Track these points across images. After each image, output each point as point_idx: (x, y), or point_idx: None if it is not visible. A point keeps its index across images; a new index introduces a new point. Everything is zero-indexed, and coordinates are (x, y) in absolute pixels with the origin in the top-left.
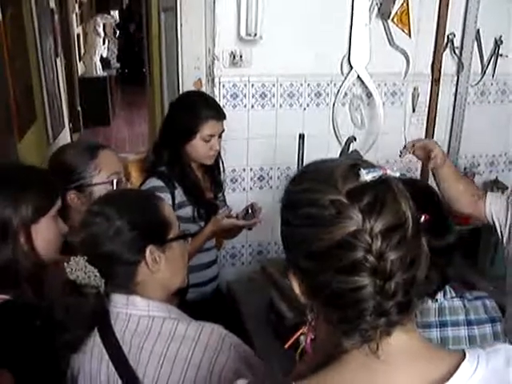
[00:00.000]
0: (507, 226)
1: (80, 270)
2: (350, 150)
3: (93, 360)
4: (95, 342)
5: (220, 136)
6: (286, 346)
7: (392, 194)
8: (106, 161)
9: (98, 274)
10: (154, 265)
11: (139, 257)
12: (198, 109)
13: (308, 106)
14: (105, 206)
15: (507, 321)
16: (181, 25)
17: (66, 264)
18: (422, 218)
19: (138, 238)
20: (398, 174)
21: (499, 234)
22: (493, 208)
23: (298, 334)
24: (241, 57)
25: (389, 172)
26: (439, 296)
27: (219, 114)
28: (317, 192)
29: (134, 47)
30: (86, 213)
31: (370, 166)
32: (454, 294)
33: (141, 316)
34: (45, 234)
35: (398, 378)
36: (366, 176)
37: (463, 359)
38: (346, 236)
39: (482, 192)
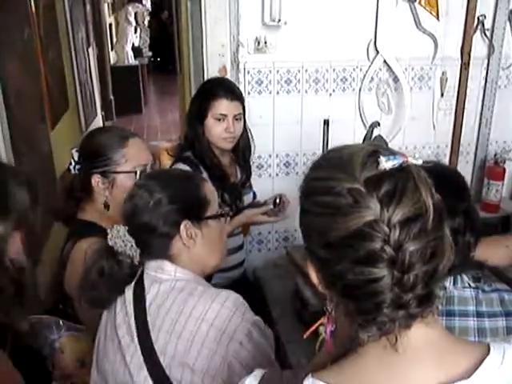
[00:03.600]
0: None
1: (119, 237)
2: (374, 135)
3: (119, 314)
4: (125, 299)
5: (238, 119)
6: (305, 336)
7: (412, 183)
8: (134, 151)
9: (134, 245)
10: (188, 240)
11: (174, 230)
12: (211, 89)
13: (334, 91)
14: (149, 180)
15: None
16: (205, 12)
17: (108, 230)
18: None
19: (174, 211)
20: (420, 162)
21: None
22: None
23: (318, 324)
24: (265, 43)
25: (410, 160)
26: (448, 284)
27: (232, 94)
28: (334, 180)
29: (166, 36)
30: (133, 186)
31: (390, 153)
32: (466, 284)
33: (166, 279)
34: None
35: (417, 373)
36: (386, 164)
37: (488, 353)
38: (362, 226)
39: None
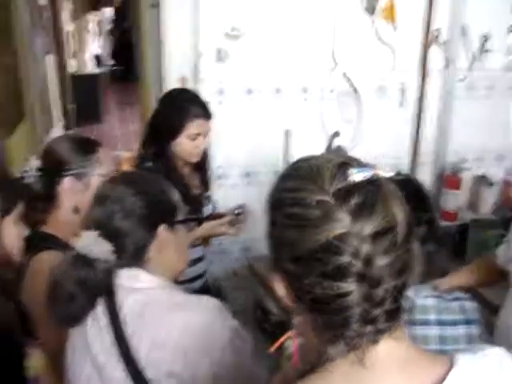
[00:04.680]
0: None
1: (92, 244)
2: (334, 145)
3: (91, 330)
4: (96, 312)
5: (206, 135)
6: (272, 350)
7: (383, 196)
8: (105, 157)
9: (110, 249)
10: (163, 244)
11: (151, 235)
12: (186, 107)
13: (295, 101)
14: (120, 183)
15: (500, 317)
16: (164, 21)
17: (75, 238)
18: None
19: (151, 215)
20: (390, 174)
21: None
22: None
23: (284, 338)
24: (226, 53)
25: (380, 172)
26: (410, 294)
27: (206, 113)
28: (303, 191)
29: (128, 44)
30: (100, 189)
31: (360, 165)
32: (428, 294)
33: (142, 288)
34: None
35: None
36: (356, 176)
37: (453, 364)
38: (332, 239)
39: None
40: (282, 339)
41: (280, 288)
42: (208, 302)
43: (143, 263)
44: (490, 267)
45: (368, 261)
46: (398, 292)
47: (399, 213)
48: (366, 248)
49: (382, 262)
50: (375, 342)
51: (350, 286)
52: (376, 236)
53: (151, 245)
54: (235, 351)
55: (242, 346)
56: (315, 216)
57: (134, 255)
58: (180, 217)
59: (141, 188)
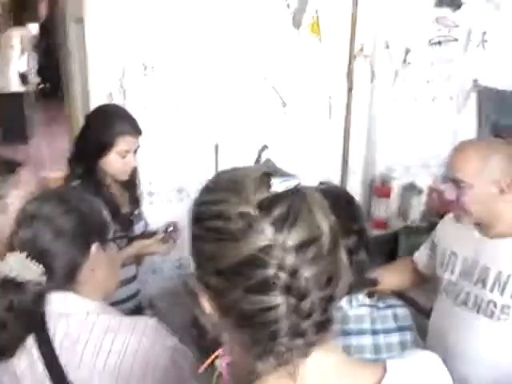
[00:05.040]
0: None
1: (20, 266)
2: (264, 158)
3: (20, 363)
4: (27, 342)
5: (136, 151)
6: (200, 370)
7: (307, 206)
8: (26, 178)
9: (40, 270)
10: (96, 263)
11: (83, 254)
12: (114, 123)
13: (224, 115)
14: (48, 201)
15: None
16: (89, 36)
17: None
18: None
19: (83, 235)
20: (315, 184)
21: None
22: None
23: (213, 356)
24: (152, 67)
25: (303, 182)
26: (344, 304)
27: (136, 130)
28: (225, 203)
29: (55, 61)
30: (25, 208)
31: (283, 175)
32: (362, 303)
33: (75, 313)
34: None
35: None
36: (279, 186)
37: (385, 372)
38: (255, 251)
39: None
40: (211, 358)
41: (206, 304)
42: (145, 323)
43: (75, 284)
44: (413, 271)
45: (293, 273)
46: (327, 303)
47: (324, 223)
48: (290, 260)
49: (307, 273)
50: (306, 355)
51: (277, 299)
52: (300, 247)
53: (84, 264)
54: (176, 369)
55: (182, 363)
56: (237, 228)
57: (65, 276)
58: (111, 235)
59: (71, 205)
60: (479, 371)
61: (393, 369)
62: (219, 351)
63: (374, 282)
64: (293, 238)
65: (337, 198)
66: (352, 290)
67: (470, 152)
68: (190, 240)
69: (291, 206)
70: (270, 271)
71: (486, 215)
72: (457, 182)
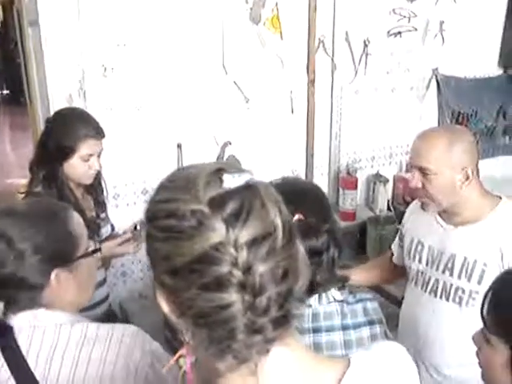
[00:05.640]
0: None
1: None
2: (227, 154)
3: None
4: None
5: (99, 155)
6: (165, 370)
7: (259, 201)
8: None
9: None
10: (60, 287)
11: (44, 281)
12: (76, 127)
13: (185, 113)
14: (5, 226)
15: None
16: (46, 38)
17: None
18: (296, 216)
19: (42, 261)
20: (269, 180)
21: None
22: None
23: (177, 356)
24: (112, 68)
25: (268, 177)
26: (313, 301)
27: (98, 133)
28: (177, 201)
29: (15, 66)
30: None
31: (235, 170)
32: (332, 299)
33: (48, 326)
34: None
35: None
36: (231, 182)
37: (349, 366)
38: (208, 249)
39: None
40: (174, 358)
41: (163, 304)
42: (123, 330)
43: (39, 307)
44: (389, 265)
45: (247, 269)
46: (284, 298)
47: (277, 218)
48: (244, 256)
49: (262, 269)
50: (266, 351)
51: (232, 296)
52: (254, 243)
53: (46, 291)
54: (156, 374)
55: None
56: (190, 226)
57: (26, 303)
58: (82, 246)
59: (29, 230)
60: (449, 358)
61: (356, 362)
62: (182, 350)
63: (345, 279)
64: (245, 233)
65: (303, 195)
66: (323, 287)
67: (434, 140)
68: (145, 239)
69: (244, 202)
70: (224, 268)
71: (452, 203)
72: (423, 170)
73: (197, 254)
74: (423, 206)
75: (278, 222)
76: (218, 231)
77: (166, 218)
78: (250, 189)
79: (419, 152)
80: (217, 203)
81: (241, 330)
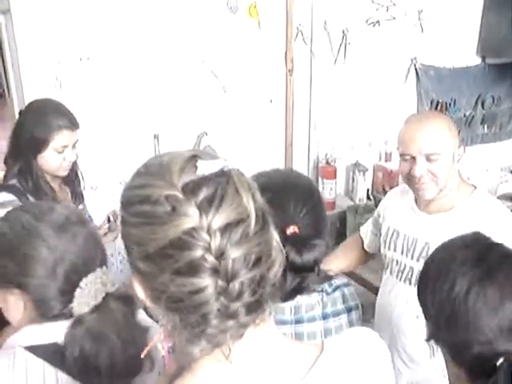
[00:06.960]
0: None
1: None
2: (204, 145)
3: None
4: None
5: (74, 146)
6: (142, 356)
7: (233, 187)
8: None
9: None
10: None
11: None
12: (50, 118)
13: (162, 103)
14: None
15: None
16: (18, 27)
17: None
18: (291, 229)
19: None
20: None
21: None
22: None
23: (153, 342)
24: (87, 57)
25: (246, 167)
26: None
27: (72, 124)
28: (151, 187)
29: None
30: None
31: (209, 157)
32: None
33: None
34: None
35: (252, 382)
36: (205, 168)
37: (322, 351)
38: (181, 234)
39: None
40: (151, 343)
41: (138, 289)
42: None
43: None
44: (361, 252)
45: (220, 254)
46: (257, 284)
47: (250, 204)
48: (217, 241)
49: (234, 254)
50: (239, 336)
51: (205, 281)
52: (226, 228)
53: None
54: None
55: None
56: (163, 212)
57: None
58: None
59: None
60: (422, 346)
61: (329, 346)
62: (159, 335)
63: (330, 278)
64: (219, 219)
65: (303, 205)
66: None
67: (435, 125)
68: (120, 225)
69: (217, 188)
70: (197, 253)
71: (447, 183)
72: (429, 156)
73: (170, 239)
74: (418, 193)
75: (252, 208)
76: (191, 217)
77: (140, 203)
78: (223, 175)
79: (423, 140)
80: (190, 189)
81: (214, 315)
